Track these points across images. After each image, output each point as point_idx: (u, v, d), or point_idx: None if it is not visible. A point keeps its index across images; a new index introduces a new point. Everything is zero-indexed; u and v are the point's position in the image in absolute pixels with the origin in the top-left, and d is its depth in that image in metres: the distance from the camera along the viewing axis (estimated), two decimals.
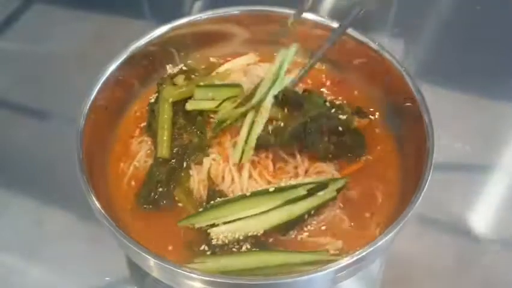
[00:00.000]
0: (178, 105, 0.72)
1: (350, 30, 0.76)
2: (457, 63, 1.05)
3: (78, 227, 0.80)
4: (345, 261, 0.51)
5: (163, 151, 0.69)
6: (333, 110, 0.71)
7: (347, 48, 0.77)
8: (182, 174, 0.69)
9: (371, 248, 0.51)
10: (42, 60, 1.11)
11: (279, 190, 0.62)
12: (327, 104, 0.72)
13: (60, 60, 1.09)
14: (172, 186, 0.68)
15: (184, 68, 0.79)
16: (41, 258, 0.78)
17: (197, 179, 0.68)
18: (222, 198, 0.64)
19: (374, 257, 0.58)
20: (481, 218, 0.83)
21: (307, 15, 0.78)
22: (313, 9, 0.78)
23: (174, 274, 0.54)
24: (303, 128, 0.68)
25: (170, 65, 0.81)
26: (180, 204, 0.67)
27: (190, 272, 0.53)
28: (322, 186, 0.63)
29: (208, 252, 0.61)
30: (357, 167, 0.69)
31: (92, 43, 1.12)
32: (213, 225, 0.61)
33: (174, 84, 0.74)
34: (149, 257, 0.54)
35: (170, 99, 0.71)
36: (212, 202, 0.63)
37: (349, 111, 0.72)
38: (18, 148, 0.94)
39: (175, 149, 0.70)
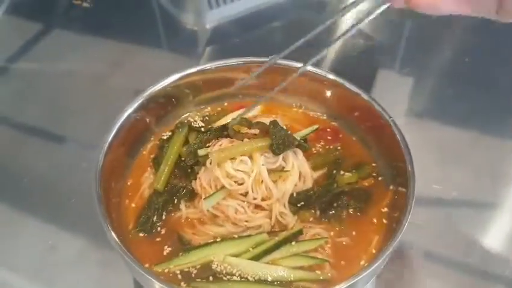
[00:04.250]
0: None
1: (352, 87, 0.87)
2: (463, 102, 1.12)
3: (90, 251, 0.87)
4: None
5: (159, 184, 0.81)
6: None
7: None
8: (171, 208, 0.80)
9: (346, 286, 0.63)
10: (60, 84, 1.19)
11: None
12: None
13: (78, 85, 1.19)
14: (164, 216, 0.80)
15: (201, 123, 0.90)
16: (53, 282, 0.85)
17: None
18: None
19: None
20: (486, 254, 0.87)
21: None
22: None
23: None
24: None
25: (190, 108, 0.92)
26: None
27: None
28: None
29: (211, 278, 0.72)
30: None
31: (110, 68, 1.21)
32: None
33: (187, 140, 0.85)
34: (156, 281, 0.65)
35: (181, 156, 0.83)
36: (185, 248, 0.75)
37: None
38: (33, 171, 1.01)
39: (171, 185, 0.81)
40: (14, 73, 1.25)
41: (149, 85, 0.87)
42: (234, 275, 0.71)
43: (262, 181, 0.76)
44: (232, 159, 0.76)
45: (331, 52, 1.26)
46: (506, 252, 0.88)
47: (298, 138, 0.83)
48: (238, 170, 0.76)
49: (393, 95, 1.15)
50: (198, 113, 0.93)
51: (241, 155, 0.76)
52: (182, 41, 1.33)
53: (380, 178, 0.84)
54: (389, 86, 1.18)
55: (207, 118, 0.92)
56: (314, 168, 0.84)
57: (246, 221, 0.77)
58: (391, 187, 0.82)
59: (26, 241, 0.90)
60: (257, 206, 0.77)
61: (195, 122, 0.90)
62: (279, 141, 0.77)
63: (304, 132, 0.88)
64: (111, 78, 1.19)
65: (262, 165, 0.76)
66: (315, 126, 0.90)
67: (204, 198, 0.76)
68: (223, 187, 0.76)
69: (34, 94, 1.17)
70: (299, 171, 0.80)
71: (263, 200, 0.77)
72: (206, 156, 0.78)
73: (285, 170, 0.79)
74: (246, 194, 0.77)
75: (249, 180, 0.75)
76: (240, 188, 0.76)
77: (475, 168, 0.99)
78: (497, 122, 1.09)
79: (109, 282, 0.85)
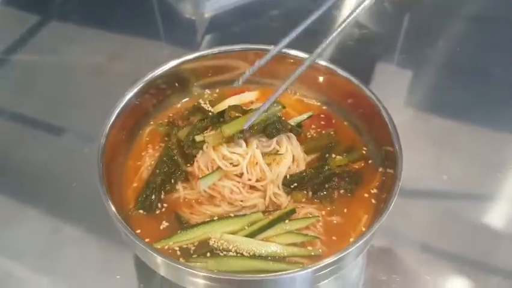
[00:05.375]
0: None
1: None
2: (461, 93, 1.17)
3: (92, 235, 0.93)
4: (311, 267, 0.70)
5: None
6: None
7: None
8: (169, 188, 0.86)
9: (335, 259, 0.71)
10: (58, 75, 1.24)
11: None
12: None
13: (77, 76, 1.23)
14: (162, 194, 0.86)
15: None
16: (56, 265, 0.90)
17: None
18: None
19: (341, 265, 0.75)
20: (483, 245, 0.91)
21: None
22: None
23: (179, 271, 0.72)
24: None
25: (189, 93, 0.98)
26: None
27: (194, 270, 0.70)
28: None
29: (208, 254, 0.78)
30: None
31: (108, 59, 1.26)
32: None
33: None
34: (157, 255, 0.71)
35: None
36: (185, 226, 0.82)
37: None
38: (34, 161, 1.05)
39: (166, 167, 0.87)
40: (12, 65, 1.29)
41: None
42: (230, 250, 0.78)
43: (256, 163, 0.83)
44: (228, 142, 0.83)
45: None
46: (503, 243, 0.92)
47: (293, 124, 0.90)
48: (233, 153, 0.83)
49: (392, 86, 1.20)
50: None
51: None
52: (180, 30, 1.37)
53: (370, 161, 0.90)
54: (387, 77, 1.23)
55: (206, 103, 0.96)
56: (307, 151, 0.90)
57: (241, 201, 0.83)
58: (380, 169, 0.88)
59: (30, 226, 0.95)
60: (252, 187, 0.83)
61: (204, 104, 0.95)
62: (272, 125, 0.84)
63: (299, 118, 0.95)
64: (110, 69, 1.23)
65: (257, 148, 0.83)
66: (310, 113, 0.96)
67: (201, 178, 0.82)
68: (219, 168, 0.83)
69: (32, 85, 1.21)
70: (293, 154, 0.86)
71: (257, 181, 0.83)
72: (203, 141, 0.84)
73: (279, 153, 0.85)
74: (241, 176, 0.83)
75: (243, 162, 0.82)
76: (235, 169, 0.82)
77: (472, 159, 1.04)
78: (495, 113, 1.14)
79: (111, 264, 0.91)
